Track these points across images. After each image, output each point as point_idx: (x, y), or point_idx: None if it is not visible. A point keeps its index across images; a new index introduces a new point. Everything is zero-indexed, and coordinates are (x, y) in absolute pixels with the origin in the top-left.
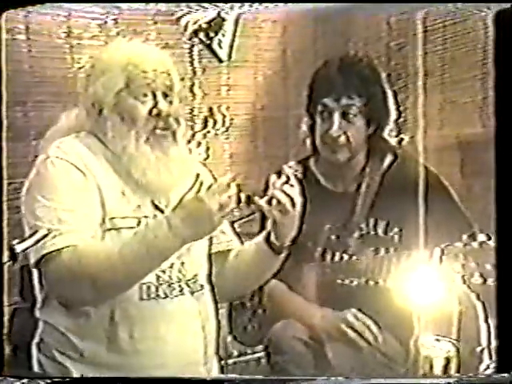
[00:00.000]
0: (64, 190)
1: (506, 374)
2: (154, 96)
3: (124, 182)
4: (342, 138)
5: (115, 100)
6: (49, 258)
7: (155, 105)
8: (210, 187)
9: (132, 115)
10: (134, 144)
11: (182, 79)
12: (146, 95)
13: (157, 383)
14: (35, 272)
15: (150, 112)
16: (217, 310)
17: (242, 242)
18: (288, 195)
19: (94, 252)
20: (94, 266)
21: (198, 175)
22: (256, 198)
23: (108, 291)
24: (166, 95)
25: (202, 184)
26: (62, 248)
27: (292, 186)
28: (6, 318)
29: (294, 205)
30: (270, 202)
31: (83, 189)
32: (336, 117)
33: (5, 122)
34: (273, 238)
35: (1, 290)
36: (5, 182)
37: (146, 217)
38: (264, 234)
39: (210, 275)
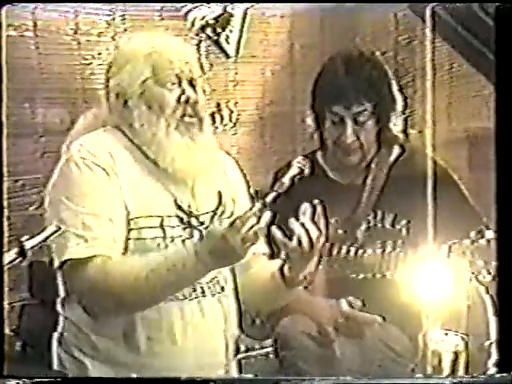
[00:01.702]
0: (88, 193)
1: (506, 374)
2: (180, 84)
3: (149, 178)
4: (356, 144)
5: (141, 89)
6: (73, 265)
7: (183, 92)
8: (232, 224)
9: (160, 103)
10: (164, 131)
11: (202, 68)
12: (173, 83)
13: (154, 383)
14: (59, 272)
15: (178, 99)
16: (240, 311)
17: (271, 249)
18: (308, 234)
19: (121, 271)
20: (119, 285)
21: (220, 194)
22: (273, 229)
23: (131, 309)
24: (191, 84)
25: (225, 207)
26: (88, 258)
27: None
28: (12, 315)
29: (312, 245)
30: (287, 236)
31: (107, 190)
32: (349, 124)
33: (12, 119)
34: (286, 270)
35: (1, 290)
36: (5, 180)
37: (169, 216)
38: (280, 263)
39: (234, 276)
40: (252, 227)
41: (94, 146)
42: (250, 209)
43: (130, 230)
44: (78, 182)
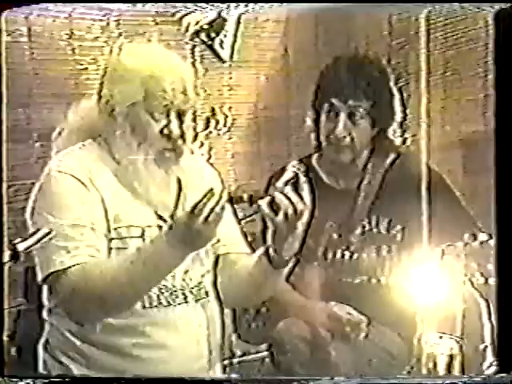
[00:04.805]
0: (68, 205)
1: (506, 374)
2: (168, 115)
3: (128, 192)
4: (347, 139)
5: (129, 110)
6: (56, 275)
7: (167, 124)
8: (192, 210)
9: (144, 131)
10: (142, 160)
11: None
12: (161, 113)
13: (154, 383)
14: (43, 284)
15: (161, 131)
16: (222, 316)
17: (250, 246)
18: (290, 200)
19: (100, 272)
20: (101, 286)
21: (179, 181)
22: (261, 203)
23: (116, 308)
24: (179, 116)
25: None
26: (69, 267)
27: (296, 189)
28: (7, 320)
29: (296, 212)
30: (271, 206)
31: (87, 203)
32: (342, 117)
33: (7, 124)
34: (271, 251)
35: (1, 291)
36: (4, 185)
37: (149, 226)
38: (264, 247)
39: (215, 281)
40: (213, 209)
41: (72, 160)
42: (205, 194)
43: (111, 240)
44: (57, 195)
